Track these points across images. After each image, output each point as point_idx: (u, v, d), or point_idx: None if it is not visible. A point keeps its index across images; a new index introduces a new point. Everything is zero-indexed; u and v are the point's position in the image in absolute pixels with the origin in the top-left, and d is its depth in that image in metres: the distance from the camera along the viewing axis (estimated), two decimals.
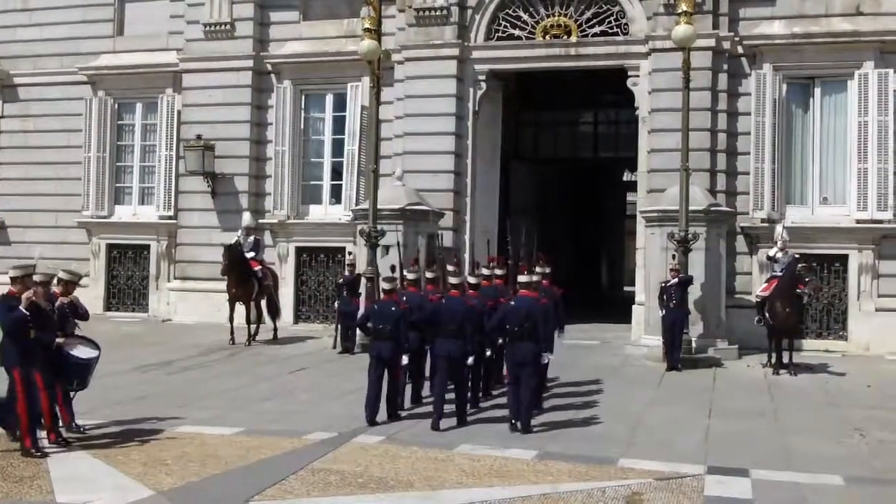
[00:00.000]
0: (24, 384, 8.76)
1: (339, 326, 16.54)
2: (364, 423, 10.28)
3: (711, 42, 17.18)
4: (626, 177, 27.97)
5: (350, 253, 18.17)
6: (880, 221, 16.77)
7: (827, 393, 13.03)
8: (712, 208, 16.17)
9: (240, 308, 17.30)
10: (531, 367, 10.15)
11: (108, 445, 9.25)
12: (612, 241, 34.08)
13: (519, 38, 18.66)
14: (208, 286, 19.30)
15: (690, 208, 15.40)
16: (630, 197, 29.26)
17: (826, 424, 10.91)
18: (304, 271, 20.04)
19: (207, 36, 20.34)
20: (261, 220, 19.66)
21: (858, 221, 16.95)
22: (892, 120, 16.73)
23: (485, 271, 12.93)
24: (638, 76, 17.96)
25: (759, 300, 15.52)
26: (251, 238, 18.15)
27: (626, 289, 29.01)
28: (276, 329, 17.97)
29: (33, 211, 21.82)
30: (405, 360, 10.69)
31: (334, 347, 16.48)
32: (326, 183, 20.11)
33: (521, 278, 10.69)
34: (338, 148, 19.89)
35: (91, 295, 19.51)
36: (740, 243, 17.42)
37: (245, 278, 17.14)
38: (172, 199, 20.71)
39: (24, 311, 8.67)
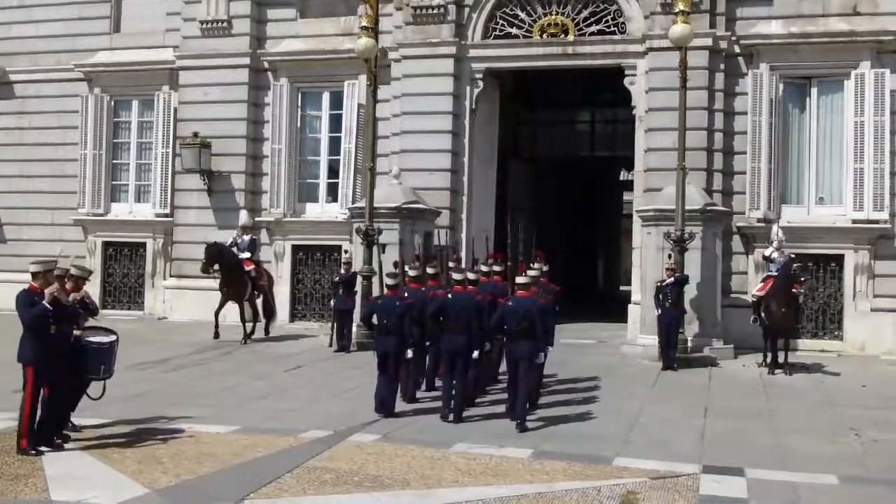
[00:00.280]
0: (35, 385, 8.75)
1: (335, 325, 16.54)
2: (360, 422, 10.28)
3: (708, 41, 17.18)
4: (623, 176, 27.94)
5: (346, 251, 18.16)
6: (876, 222, 16.78)
7: (822, 393, 13.04)
8: (708, 208, 16.19)
9: (235, 307, 17.26)
10: (528, 364, 10.36)
11: (103, 443, 9.24)
12: (609, 241, 34.12)
13: (516, 36, 18.65)
14: (204, 284, 19.17)
15: (687, 208, 15.41)
16: (627, 196, 29.25)
17: (821, 424, 10.93)
18: (300, 269, 20.01)
19: (204, 33, 20.31)
20: (257, 218, 19.64)
21: (854, 221, 16.96)
22: (889, 120, 16.74)
23: (483, 268, 13.02)
24: (635, 75, 17.97)
25: (754, 300, 15.51)
26: (247, 237, 18.15)
27: (623, 288, 29.04)
28: (267, 326, 17.96)
29: (29, 208, 21.77)
30: (409, 353, 10.85)
31: (330, 346, 16.46)
32: (323, 181, 20.08)
33: (519, 280, 10.89)
34: (334, 146, 19.86)
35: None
36: (736, 243, 17.43)
37: (236, 278, 17.11)
38: (169, 196, 20.68)
39: (47, 305, 8.69)
